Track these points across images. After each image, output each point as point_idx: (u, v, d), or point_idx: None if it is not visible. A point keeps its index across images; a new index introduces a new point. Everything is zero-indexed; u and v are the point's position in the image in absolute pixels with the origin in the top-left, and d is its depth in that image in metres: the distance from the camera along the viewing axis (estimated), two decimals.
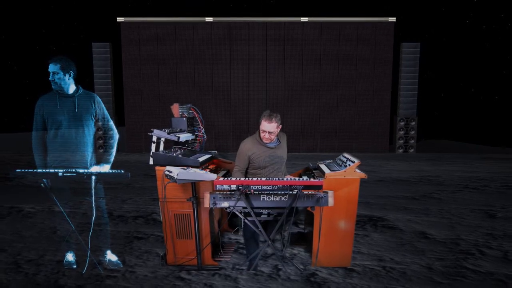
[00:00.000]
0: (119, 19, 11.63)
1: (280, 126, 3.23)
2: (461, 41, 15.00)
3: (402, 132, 11.93)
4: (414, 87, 11.82)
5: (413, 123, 11.87)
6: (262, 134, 3.21)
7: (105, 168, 3.03)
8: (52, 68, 2.90)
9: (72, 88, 3.00)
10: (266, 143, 3.25)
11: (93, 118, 3.08)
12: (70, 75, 2.95)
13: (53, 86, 2.95)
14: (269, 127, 3.14)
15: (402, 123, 11.90)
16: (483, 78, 15.29)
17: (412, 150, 11.96)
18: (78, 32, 15.43)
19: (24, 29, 15.45)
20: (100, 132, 11.12)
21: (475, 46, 15.02)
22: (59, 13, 15.07)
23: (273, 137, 3.22)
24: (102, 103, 3.16)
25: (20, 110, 16.16)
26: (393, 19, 11.58)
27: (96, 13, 14.45)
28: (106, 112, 3.19)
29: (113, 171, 2.84)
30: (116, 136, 3.25)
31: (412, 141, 11.95)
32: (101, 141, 11.17)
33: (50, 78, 2.93)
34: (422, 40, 12.01)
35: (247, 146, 3.25)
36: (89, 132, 3.06)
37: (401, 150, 11.99)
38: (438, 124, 15.91)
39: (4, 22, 15.01)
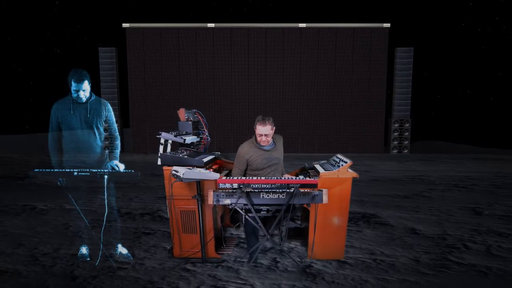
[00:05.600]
0: (125, 24, 11.84)
1: (274, 127, 3.39)
2: (457, 43, 15.24)
3: (396, 134, 12.19)
4: (408, 90, 12.08)
5: (407, 124, 12.13)
6: (258, 138, 3.38)
7: (118, 164, 3.27)
8: (82, 86, 3.08)
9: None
10: (263, 146, 3.41)
11: (103, 123, 3.31)
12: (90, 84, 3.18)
13: (81, 100, 3.14)
14: (264, 130, 3.31)
15: (396, 125, 12.15)
16: (479, 80, 15.53)
17: (406, 151, 12.22)
18: (82, 35, 15.61)
19: (29, 32, 15.59)
20: (106, 134, 11.36)
21: (471, 48, 15.27)
22: (63, 17, 15.24)
23: (269, 139, 3.38)
24: (111, 110, 3.40)
25: (25, 111, 16.31)
26: (387, 25, 11.83)
27: (102, 18, 14.66)
28: (114, 120, 3.42)
29: (125, 170, 3.08)
30: (119, 146, 3.48)
31: (406, 142, 12.21)
32: (106, 142, 11.39)
33: (79, 95, 3.10)
34: (419, 42, 12.29)
35: (245, 150, 3.42)
36: (100, 136, 3.30)
37: (395, 151, 12.24)
38: (433, 126, 16.15)
39: (9, 24, 15.14)
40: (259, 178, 3.10)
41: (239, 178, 3.10)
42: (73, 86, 3.08)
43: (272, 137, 3.48)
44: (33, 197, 5.75)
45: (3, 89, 15.94)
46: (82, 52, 15.24)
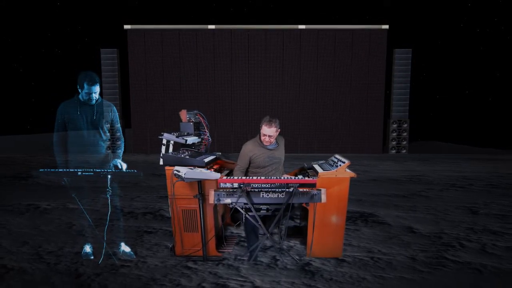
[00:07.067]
0: (126, 26, 11.91)
1: (279, 130, 3.49)
2: (456, 44, 15.33)
3: (394, 134, 12.27)
4: (406, 91, 12.17)
5: (405, 125, 12.21)
6: (262, 138, 3.48)
7: (122, 163, 3.35)
8: (94, 89, 3.14)
9: None
10: (266, 146, 3.51)
11: (108, 125, 3.38)
12: None
13: (92, 102, 3.21)
14: (269, 131, 3.42)
15: (394, 126, 12.23)
16: (477, 81, 15.63)
17: (404, 151, 12.30)
18: (82, 36, 15.70)
19: (30, 33, 15.66)
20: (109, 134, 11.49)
21: (469, 49, 15.36)
22: (64, 17, 15.32)
23: (272, 140, 3.49)
24: (116, 112, 3.47)
25: (26, 112, 16.38)
26: (386, 26, 11.90)
27: (103, 20, 14.76)
28: (118, 122, 3.50)
29: (127, 170, 3.15)
30: (123, 146, 3.57)
31: (404, 143, 12.30)
32: (109, 143, 11.49)
33: (91, 97, 3.16)
34: (418, 44, 12.38)
35: (249, 148, 3.52)
36: (105, 137, 3.38)
37: (393, 151, 12.32)
38: (432, 126, 16.25)
39: (10, 25, 15.21)
40: (259, 177, 3.17)
41: (240, 177, 3.17)
42: (85, 88, 3.13)
43: (275, 138, 3.58)
44: (36, 196, 5.81)
45: (4, 90, 16.02)
46: (83, 53, 15.34)
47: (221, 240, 3.68)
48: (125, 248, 3.42)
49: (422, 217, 4.74)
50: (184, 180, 2.95)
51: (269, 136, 3.44)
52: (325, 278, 2.91)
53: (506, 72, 15.02)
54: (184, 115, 3.59)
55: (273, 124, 3.41)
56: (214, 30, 12.00)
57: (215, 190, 2.99)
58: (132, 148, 12.43)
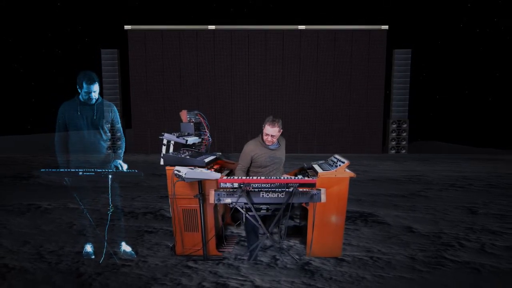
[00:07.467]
0: (127, 27, 11.93)
1: (281, 130, 3.53)
2: (455, 44, 15.36)
3: (394, 134, 12.29)
4: (406, 91, 12.19)
5: (404, 125, 12.24)
6: (265, 137, 3.51)
7: (122, 163, 3.36)
8: (93, 88, 3.16)
9: None
10: (268, 145, 3.54)
11: (109, 124, 3.40)
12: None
13: (92, 102, 3.23)
14: (272, 131, 3.46)
15: (394, 126, 12.25)
16: (477, 81, 15.65)
17: (404, 151, 12.33)
18: (83, 36, 15.72)
19: (30, 33, 15.68)
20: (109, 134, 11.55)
21: (469, 49, 15.38)
22: (64, 18, 15.34)
23: (275, 140, 3.53)
24: (117, 113, 3.49)
25: (26, 112, 16.39)
26: (385, 27, 11.92)
27: (104, 20, 14.79)
28: (119, 121, 3.51)
29: (128, 170, 3.16)
30: (124, 146, 3.59)
31: (404, 143, 12.32)
32: (109, 143, 11.52)
33: (91, 96, 3.18)
34: (418, 44, 12.40)
35: (251, 147, 3.55)
36: (105, 137, 3.39)
37: (393, 151, 12.34)
38: (432, 126, 16.27)
39: (10, 25, 15.23)
40: (260, 177, 3.19)
41: (241, 177, 3.19)
42: (84, 88, 3.15)
43: (277, 138, 3.61)
44: (37, 196, 5.83)
45: (4, 90, 16.04)
46: (83, 53, 15.36)
47: (221, 239, 3.69)
48: (126, 247, 3.43)
49: (422, 217, 4.75)
50: (184, 180, 2.96)
51: (271, 135, 3.48)
52: (325, 277, 2.92)
53: (506, 72, 15.05)
54: (184, 115, 3.61)
55: (276, 124, 3.46)
56: (214, 30, 12.02)
57: (215, 190, 3.00)
58: (133, 147, 12.45)
